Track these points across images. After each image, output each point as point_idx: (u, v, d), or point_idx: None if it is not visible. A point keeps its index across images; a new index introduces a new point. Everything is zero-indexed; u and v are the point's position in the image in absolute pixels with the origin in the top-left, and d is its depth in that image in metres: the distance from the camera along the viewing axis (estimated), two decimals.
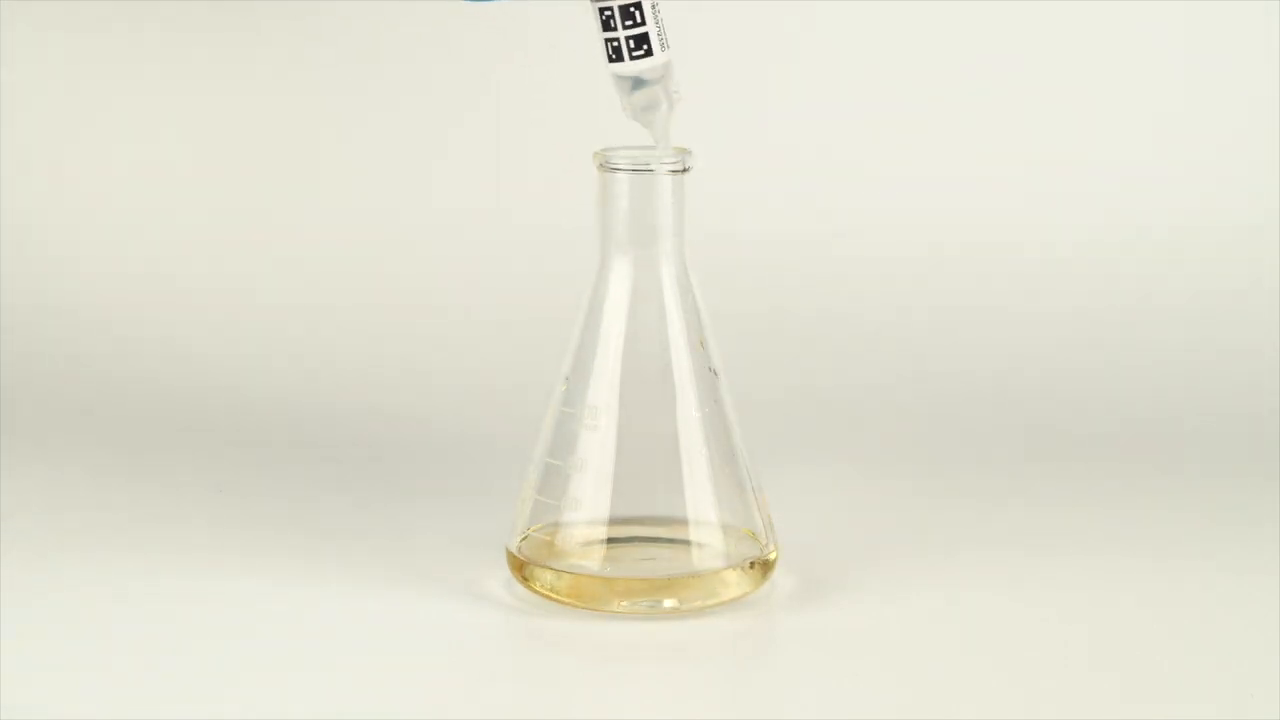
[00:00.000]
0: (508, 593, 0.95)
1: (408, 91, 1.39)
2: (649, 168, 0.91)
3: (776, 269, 1.35)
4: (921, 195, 1.37)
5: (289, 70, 1.38)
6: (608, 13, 0.89)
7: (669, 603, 0.91)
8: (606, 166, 0.92)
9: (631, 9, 0.89)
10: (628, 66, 0.90)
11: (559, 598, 0.91)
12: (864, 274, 1.35)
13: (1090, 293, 1.34)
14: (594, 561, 0.91)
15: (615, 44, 0.90)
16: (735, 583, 0.91)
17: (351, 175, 1.38)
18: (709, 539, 0.91)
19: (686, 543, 0.91)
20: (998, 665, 0.89)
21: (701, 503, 0.91)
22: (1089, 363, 1.29)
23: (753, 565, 0.92)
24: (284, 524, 1.05)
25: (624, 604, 0.90)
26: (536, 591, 0.92)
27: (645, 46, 0.90)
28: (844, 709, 0.85)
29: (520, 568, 0.93)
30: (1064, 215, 1.37)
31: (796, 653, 0.92)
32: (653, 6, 0.90)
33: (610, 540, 0.91)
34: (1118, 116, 1.38)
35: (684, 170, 0.92)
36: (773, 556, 0.93)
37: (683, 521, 0.91)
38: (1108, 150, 1.38)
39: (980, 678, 0.88)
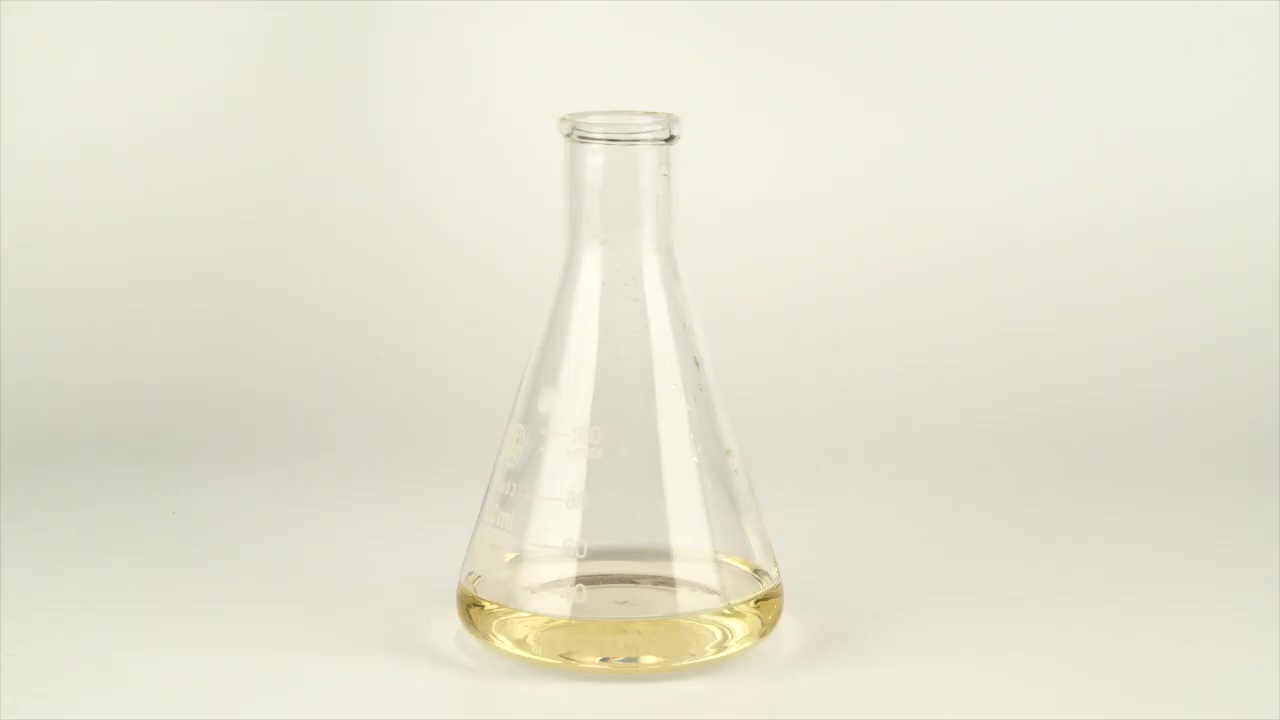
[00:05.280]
0: (459, 647, 0.81)
1: (399, 87, 1.36)
2: (630, 137, 0.78)
3: (776, 270, 1.33)
4: (921, 195, 1.36)
5: (282, 66, 1.36)
6: None
7: (649, 659, 0.77)
8: (576, 135, 0.79)
9: None
10: None
11: (518, 651, 0.77)
12: (864, 274, 1.34)
13: (1090, 292, 1.33)
14: (561, 604, 0.77)
15: None
16: (732, 630, 0.78)
17: (344, 171, 1.36)
18: (699, 575, 0.78)
19: (672, 580, 0.77)
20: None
21: (690, 534, 0.77)
22: (1092, 367, 1.27)
23: (756, 604, 0.78)
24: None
25: (595, 660, 0.76)
26: (492, 644, 0.78)
27: None
28: None
29: (472, 613, 0.79)
30: (1064, 215, 1.36)
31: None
32: None
33: (580, 580, 0.77)
34: (1116, 116, 1.37)
35: (670, 139, 0.79)
36: (775, 590, 0.79)
37: (667, 555, 0.77)
38: (1107, 150, 1.37)
39: None
